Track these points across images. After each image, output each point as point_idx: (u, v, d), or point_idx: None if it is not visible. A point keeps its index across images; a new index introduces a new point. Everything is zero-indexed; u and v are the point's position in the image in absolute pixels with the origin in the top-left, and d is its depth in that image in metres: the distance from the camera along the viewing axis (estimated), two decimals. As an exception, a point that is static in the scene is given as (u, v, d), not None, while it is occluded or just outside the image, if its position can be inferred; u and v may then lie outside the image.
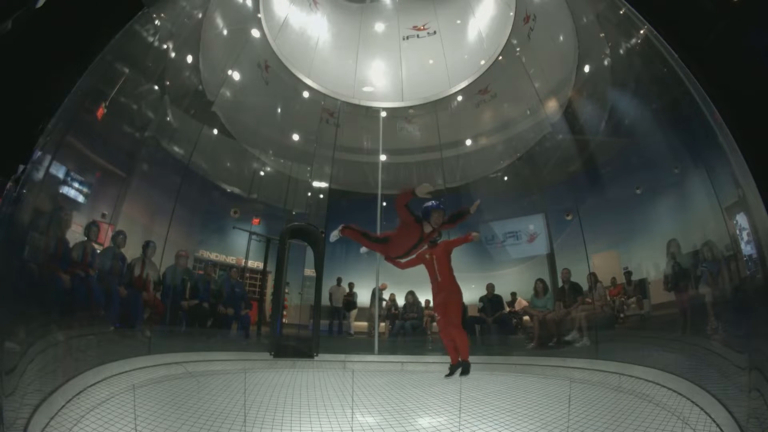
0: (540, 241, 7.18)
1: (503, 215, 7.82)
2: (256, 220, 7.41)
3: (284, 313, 7.06)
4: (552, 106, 6.80)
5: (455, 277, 4.54)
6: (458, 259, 7.61)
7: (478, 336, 7.05)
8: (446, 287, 4.41)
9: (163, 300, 5.57)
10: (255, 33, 7.01)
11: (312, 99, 7.88)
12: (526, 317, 6.68)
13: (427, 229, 3.87)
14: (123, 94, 4.47)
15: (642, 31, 3.96)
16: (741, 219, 3.05)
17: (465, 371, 4.15)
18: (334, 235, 4.28)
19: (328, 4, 8.13)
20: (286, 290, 7.21)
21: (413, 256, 4.40)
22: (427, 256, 4.55)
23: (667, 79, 3.58)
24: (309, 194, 7.84)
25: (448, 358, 4.71)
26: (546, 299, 6.45)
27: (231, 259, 7.14)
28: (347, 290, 7.93)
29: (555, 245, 6.95)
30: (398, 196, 3.71)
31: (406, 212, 3.73)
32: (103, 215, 4.68)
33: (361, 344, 7.40)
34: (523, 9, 6.67)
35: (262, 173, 7.76)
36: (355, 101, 8.04)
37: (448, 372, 4.50)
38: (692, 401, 3.06)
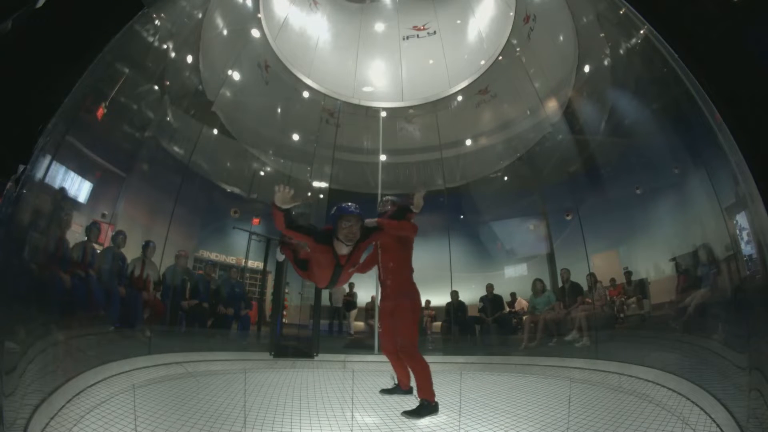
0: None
1: (503, 215, 7.82)
2: (256, 220, 7.40)
3: (284, 313, 7.06)
4: (552, 106, 6.80)
5: (411, 276, 3.18)
6: (458, 258, 7.70)
7: (478, 336, 7.05)
8: (394, 290, 3.12)
9: (163, 300, 5.57)
10: (255, 33, 7.01)
11: (312, 99, 7.88)
12: (526, 317, 6.69)
13: (341, 249, 2.74)
14: (123, 94, 4.46)
15: (642, 31, 3.95)
16: (741, 219, 3.05)
17: (418, 413, 2.90)
18: (279, 255, 3.50)
19: (328, 4, 8.13)
20: (286, 290, 7.21)
21: (342, 282, 3.20)
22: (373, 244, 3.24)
23: (667, 79, 3.58)
24: (309, 194, 7.84)
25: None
26: (546, 296, 6.45)
27: (231, 259, 7.14)
28: (347, 290, 7.93)
29: (555, 245, 6.95)
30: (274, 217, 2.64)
31: (296, 234, 2.71)
32: (103, 215, 4.68)
33: (361, 344, 7.40)
34: (523, 9, 6.67)
35: (262, 173, 7.75)
36: (355, 101, 8.04)
37: (389, 388, 3.31)
38: (692, 401, 3.06)
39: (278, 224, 2.63)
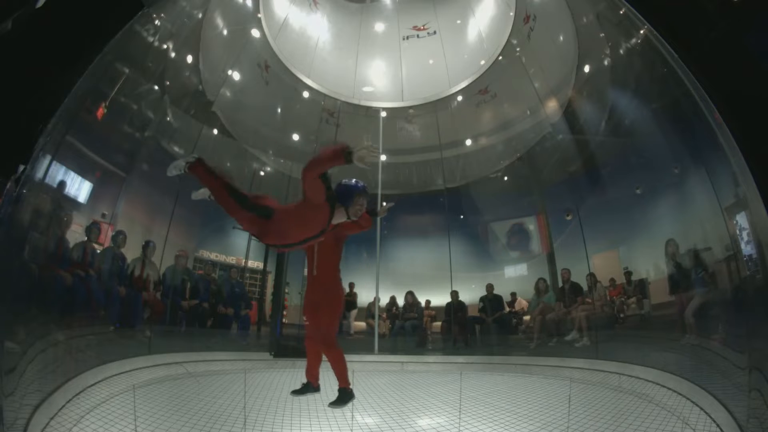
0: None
1: (503, 215, 7.82)
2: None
3: (284, 313, 7.06)
4: (552, 106, 6.80)
5: (339, 276, 3.34)
6: (458, 258, 7.69)
7: (478, 336, 7.05)
8: (322, 286, 3.26)
9: (163, 300, 5.57)
10: (255, 33, 7.01)
11: (312, 99, 7.87)
12: (527, 317, 6.69)
13: (339, 217, 2.71)
14: (123, 94, 4.47)
15: (642, 31, 3.95)
16: (741, 219, 3.05)
17: (342, 401, 3.05)
18: (176, 166, 2.92)
19: (328, 4, 8.13)
20: (286, 290, 7.21)
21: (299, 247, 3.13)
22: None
23: (667, 79, 3.58)
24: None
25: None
26: (549, 296, 6.45)
27: (231, 259, 7.14)
28: (347, 290, 7.92)
29: (555, 245, 6.95)
30: (316, 160, 2.30)
31: (319, 186, 2.39)
32: (103, 215, 4.68)
33: (361, 344, 7.40)
34: (523, 9, 6.67)
35: (262, 173, 7.75)
36: (355, 101, 8.03)
37: (298, 388, 3.26)
38: (692, 401, 3.07)
39: (324, 166, 2.32)
